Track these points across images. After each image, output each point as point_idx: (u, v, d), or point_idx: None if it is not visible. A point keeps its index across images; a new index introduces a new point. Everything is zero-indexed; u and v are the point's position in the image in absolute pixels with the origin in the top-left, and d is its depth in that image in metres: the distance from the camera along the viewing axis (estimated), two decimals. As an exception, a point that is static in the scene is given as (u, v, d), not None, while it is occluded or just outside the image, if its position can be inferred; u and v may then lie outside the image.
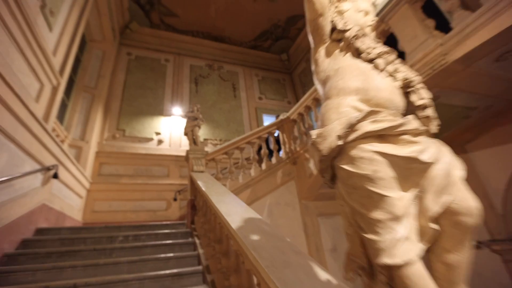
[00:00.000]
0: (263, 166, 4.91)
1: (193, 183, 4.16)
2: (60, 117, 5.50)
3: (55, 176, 3.84)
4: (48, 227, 3.57)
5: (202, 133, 7.36)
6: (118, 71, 7.44)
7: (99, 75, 6.65)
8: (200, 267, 2.73)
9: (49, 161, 3.75)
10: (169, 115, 7.35)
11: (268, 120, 8.73)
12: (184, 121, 7.38)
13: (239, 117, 8.23)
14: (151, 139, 6.83)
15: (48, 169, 3.76)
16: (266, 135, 5.24)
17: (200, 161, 4.33)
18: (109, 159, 6.18)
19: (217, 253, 2.47)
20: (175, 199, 6.15)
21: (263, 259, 1.10)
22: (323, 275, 1.02)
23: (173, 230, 3.74)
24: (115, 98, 7.02)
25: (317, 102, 4.58)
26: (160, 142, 6.86)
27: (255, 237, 1.39)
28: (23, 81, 3.08)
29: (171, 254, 2.97)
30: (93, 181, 5.74)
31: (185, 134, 4.72)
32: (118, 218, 5.67)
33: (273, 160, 5.04)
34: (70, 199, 4.77)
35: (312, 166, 4.69)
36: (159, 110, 7.31)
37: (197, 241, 3.29)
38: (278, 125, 5.40)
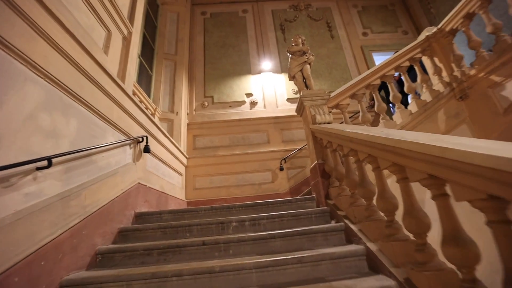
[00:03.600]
0: (412, 107, 3.27)
1: (316, 141, 2.88)
2: (147, 90, 4.94)
3: (147, 149, 3.12)
4: (148, 211, 2.87)
5: (300, 87, 5.98)
6: (195, 34, 6.61)
7: (177, 39, 5.89)
8: (388, 282, 1.45)
9: (136, 131, 3.02)
10: (258, 72, 6.19)
11: (380, 60, 6.70)
12: (276, 77, 6.18)
13: (342, 62, 6.48)
14: (243, 102, 5.83)
15: (137, 141, 3.05)
16: (407, 64, 3.51)
17: (322, 108, 2.98)
18: (201, 130, 5.47)
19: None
20: (281, 169, 5.09)
21: None
22: None
23: (302, 210, 2.58)
24: (197, 63, 6.23)
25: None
26: (253, 104, 5.81)
27: None
28: (79, 20, 2.23)
29: (320, 252, 1.78)
30: (190, 156, 5.12)
31: (292, 77, 3.42)
32: (222, 194, 4.97)
33: (426, 96, 3.33)
34: (169, 177, 4.16)
35: (509, 94, 2.82)
36: (246, 69, 6.22)
37: (352, 227, 2.01)
38: (423, 46, 3.58)
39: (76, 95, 2.01)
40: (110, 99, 2.50)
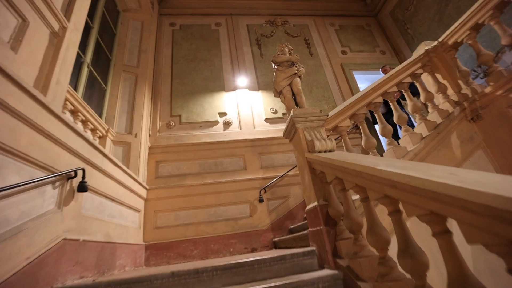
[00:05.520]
0: (421, 129, 2.75)
1: (315, 174, 2.20)
2: (98, 107, 4.04)
3: (82, 188, 2.22)
4: (75, 284, 1.94)
5: (280, 106, 5.40)
6: (162, 45, 5.87)
7: (140, 50, 5.11)
8: None
9: (65, 163, 2.14)
10: (233, 89, 5.52)
11: (361, 80, 6.39)
12: (252, 95, 5.48)
13: (323, 80, 6.05)
14: (216, 122, 5.08)
15: (68, 176, 2.16)
16: (409, 79, 3.04)
17: (319, 132, 2.32)
18: (166, 155, 4.60)
19: None
20: (261, 200, 4.34)
21: None
22: None
23: (304, 277, 1.82)
24: (163, 78, 5.44)
25: None
26: (227, 124, 5.08)
27: None
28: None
29: None
30: (151, 187, 4.21)
31: (278, 93, 2.77)
32: (190, 234, 4.08)
33: (435, 117, 2.84)
34: (121, 218, 3.23)
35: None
36: (220, 85, 5.53)
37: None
38: (423, 61, 3.16)
39: None
40: (16, 118, 1.64)
